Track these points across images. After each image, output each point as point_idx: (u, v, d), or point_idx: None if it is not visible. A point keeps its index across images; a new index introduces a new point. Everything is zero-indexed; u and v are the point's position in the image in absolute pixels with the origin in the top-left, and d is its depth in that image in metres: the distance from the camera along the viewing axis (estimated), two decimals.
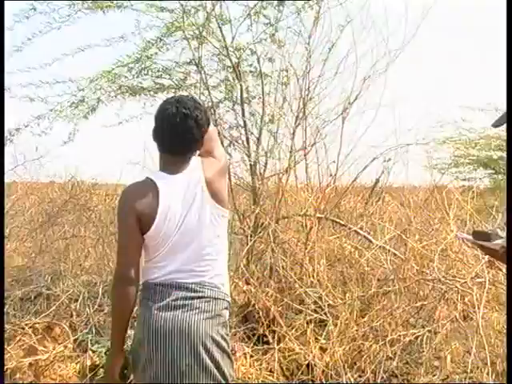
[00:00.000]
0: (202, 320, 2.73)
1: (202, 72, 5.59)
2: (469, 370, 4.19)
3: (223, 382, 2.77)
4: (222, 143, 5.59)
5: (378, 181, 6.18)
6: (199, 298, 2.76)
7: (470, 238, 2.38)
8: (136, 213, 2.76)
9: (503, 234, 2.28)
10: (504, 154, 10.41)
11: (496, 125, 2.47)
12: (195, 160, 2.87)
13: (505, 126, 2.44)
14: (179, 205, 2.76)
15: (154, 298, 2.78)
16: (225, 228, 2.91)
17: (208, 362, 2.72)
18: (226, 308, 2.85)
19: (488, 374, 4.09)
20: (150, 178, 2.81)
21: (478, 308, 4.32)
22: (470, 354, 4.28)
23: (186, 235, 2.77)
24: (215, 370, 2.74)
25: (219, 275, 2.84)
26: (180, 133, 2.82)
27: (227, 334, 2.85)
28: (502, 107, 2.47)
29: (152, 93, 5.70)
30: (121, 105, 5.75)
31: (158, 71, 5.66)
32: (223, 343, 2.78)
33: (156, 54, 5.53)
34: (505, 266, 2.66)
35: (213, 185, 2.82)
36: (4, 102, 4.59)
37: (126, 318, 2.79)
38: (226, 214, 2.90)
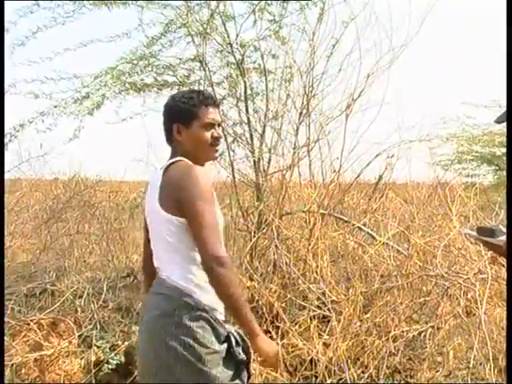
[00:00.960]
0: (152, 319, 2.63)
1: (206, 69, 5.60)
2: (471, 366, 4.20)
3: None
4: (225, 139, 5.68)
5: (381, 177, 6.18)
6: (156, 294, 2.68)
7: (474, 233, 2.39)
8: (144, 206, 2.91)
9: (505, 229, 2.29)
10: None
11: (499, 121, 2.47)
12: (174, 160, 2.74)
13: (505, 123, 2.44)
14: (148, 201, 2.78)
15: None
16: (179, 235, 2.62)
17: (155, 363, 2.56)
18: (184, 308, 2.58)
19: (490, 369, 4.10)
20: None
21: (481, 304, 4.33)
22: (472, 349, 4.29)
23: (150, 230, 2.80)
24: (165, 374, 2.55)
25: (180, 278, 2.62)
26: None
27: (192, 337, 2.55)
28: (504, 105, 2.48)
29: (156, 89, 5.72)
30: (120, 102, 5.76)
31: (163, 68, 5.68)
32: (177, 346, 2.54)
33: (160, 50, 5.55)
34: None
35: (163, 189, 2.66)
36: (4, 101, 4.61)
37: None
38: (177, 221, 2.61)
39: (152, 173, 2.85)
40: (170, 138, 2.82)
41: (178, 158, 2.72)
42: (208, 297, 2.64)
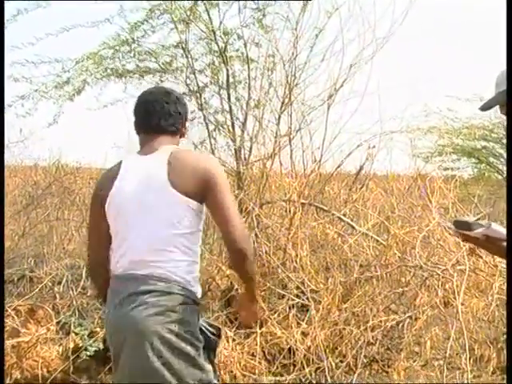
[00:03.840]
0: (150, 316, 2.51)
1: (189, 56, 5.58)
2: (448, 356, 4.24)
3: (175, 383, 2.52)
4: (207, 127, 5.67)
5: (361, 168, 6.20)
6: (149, 292, 2.54)
7: (452, 226, 2.41)
8: (97, 194, 2.75)
9: (484, 222, 2.31)
10: (488, 144, 10.48)
11: (484, 108, 2.49)
12: (171, 147, 2.74)
13: (500, 120, 2.46)
14: (132, 188, 2.63)
15: (112, 292, 2.66)
16: (192, 221, 2.62)
17: (155, 362, 2.49)
18: (185, 303, 2.58)
19: (466, 359, 4.14)
20: (122, 160, 2.79)
21: (458, 295, 4.37)
22: (449, 339, 4.33)
23: (135, 220, 2.61)
24: (166, 371, 2.50)
25: (177, 268, 2.58)
26: (150, 107, 2.78)
27: (190, 332, 2.57)
28: (488, 97, 2.49)
29: (138, 76, 5.68)
30: (101, 88, 5.71)
31: (145, 54, 5.64)
32: (179, 343, 2.53)
33: (143, 36, 5.51)
34: (486, 252, 2.70)
35: (177, 170, 2.61)
36: (4, 100, 4.57)
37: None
38: (194, 206, 2.61)
39: (131, 159, 2.76)
40: (173, 125, 2.80)
41: (178, 147, 2.78)
42: (199, 289, 2.68)
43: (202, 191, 2.60)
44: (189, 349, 2.55)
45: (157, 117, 2.78)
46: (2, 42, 4.09)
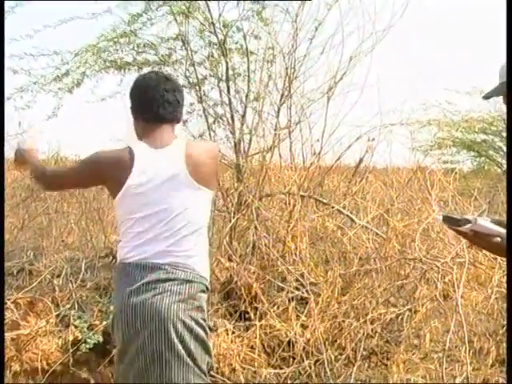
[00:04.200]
0: (173, 303, 2.61)
1: (188, 48, 5.56)
2: (447, 348, 4.24)
3: (195, 368, 2.66)
4: (206, 120, 5.66)
5: (361, 160, 6.20)
6: (171, 280, 2.63)
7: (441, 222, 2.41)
8: (105, 169, 2.76)
9: (471, 217, 2.31)
10: (487, 137, 10.48)
11: (487, 96, 2.50)
12: (182, 140, 2.81)
13: (499, 113, 2.46)
14: (153, 179, 2.68)
15: (126, 280, 2.69)
16: (206, 209, 2.80)
17: (179, 347, 2.61)
18: (203, 291, 2.72)
19: (466, 352, 4.15)
20: (130, 146, 2.78)
21: (458, 287, 4.37)
22: (448, 332, 4.33)
23: (158, 212, 2.67)
24: (186, 356, 2.63)
25: (195, 256, 2.70)
26: (166, 97, 2.78)
27: (204, 319, 2.72)
28: (487, 90, 2.50)
29: (137, 68, 5.66)
30: (97, 80, 5.68)
31: (144, 46, 5.63)
32: (197, 329, 2.67)
33: (141, 28, 5.49)
34: (476, 246, 2.72)
35: (196, 164, 2.72)
36: (4, 99, 4.56)
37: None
38: (210, 196, 2.80)
39: (147, 153, 2.75)
40: (178, 115, 2.88)
41: (184, 138, 2.99)
42: (209, 276, 2.82)
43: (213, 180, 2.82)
44: (203, 335, 2.70)
45: (169, 107, 2.81)
46: (2, 41, 4.07)
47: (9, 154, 7.47)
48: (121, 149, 2.80)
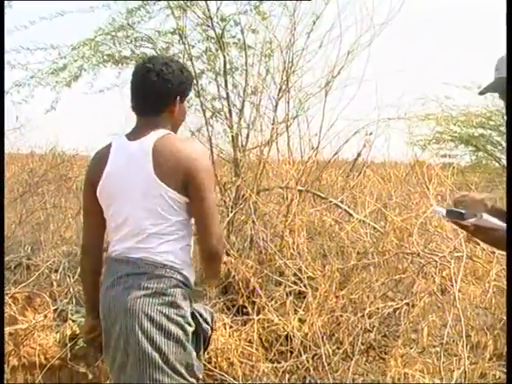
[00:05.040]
0: (139, 298, 2.52)
1: (186, 42, 5.55)
2: (444, 342, 4.25)
3: (166, 368, 2.53)
4: (204, 114, 5.65)
5: (359, 154, 6.20)
6: (140, 274, 2.55)
7: (444, 213, 2.42)
8: (90, 179, 2.72)
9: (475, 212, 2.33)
10: (485, 132, 10.47)
11: (482, 92, 2.51)
12: (157, 133, 2.61)
13: (497, 108, 2.47)
14: (122, 172, 2.60)
15: (106, 274, 2.68)
16: (181, 209, 2.59)
17: (145, 344, 2.50)
18: (177, 286, 2.57)
19: (463, 346, 4.16)
20: (111, 142, 2.73)
21: (455, 282, 4.38)
22: (446, 326, 4.34)
23: (125, 208, 2.60)
24: (155, 354, 2.50)
25: (167, 253, 2.57)
26: (140, 88, 2.66)
27: (182, 316, 2.58)
28: (486, 84, 2.50)
29: (134, 62, 5.65)
30: (95, 74, 5.67)
31: (142, 40, 5.62)
32: (169, 325, 2.53)
33: (139, 22, 5.48)
34: (476, 239, 2.73)
35: (161, 160, 2.54)
36: (4, 98, 4.55)
37: (84, 283, 2.86)
38: (176, 196, 2.56)
39: (119, 143, 2.69)
40: (160, 108, 2.66)
41: (165, 132, 2.62)
42: (191, 273, 2.67)
43: (184, 185, 2.55)
44: (179, 332, 2.55)
45: (137, 98, 2.69)
46: (2, 41, 4.07)
47: (7, 148, 7.50)
48: (105, 145, 2.75)
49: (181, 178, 2.53)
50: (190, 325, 2.61)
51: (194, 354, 2.63)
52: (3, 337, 4.20)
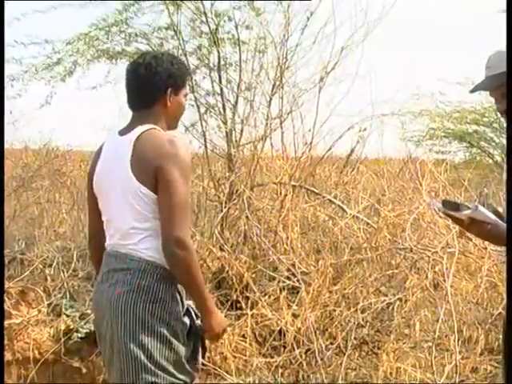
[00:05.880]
0: (123, 294, 2.48)
1: (180, 38, 5.55)
2: (436, 337, 4.27)
3: (149, 364, 2.46)
4: (198, 110, 5.65)
5: (353, 150, 6.22)
6: (125, 270, 2.51)
7: (440, 205, 2.44)
8: (89, 176, 2.71)
9: (471, 204, 2.35)
10: (479, 128, 10.50)
11: (473, 90, 2.53)
12: (142, 128, 2.55)
13: (491, 105, 2.49)
14: (108, 169, 2.58)
15: (101, 267, 2.66)
16: (154, 206, 2.49)
17: (127, 340, 2.46)
18: (161, 281, 2.50)
19: (455, 341, 4.18)
20: (108, 136, 2.76)
21: (448, 277, 4.40)
22: (438, 321, 4.37)
23: (110, 204, 2.59)
24: (137, 351, 2.45)
25: (148, 249, 2.51)
26: (131, 82, 2.64)
27: (168, 312, 2.51)
28: (479, 81, 2.53)
29: (128, 57, 5.65)
30: (88, 69, 5.66)
31: (136, 35, 5.61)
32: (152, 322, 2.47)
33: (132, 18, 5.48)
34: (473, 235, 2.75)
35: (138, 159, 2.48)
36: (4, 96, 4.54)
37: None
38: (151, 195, 2.49)
39: (111, 138, 2.68)
40: (149, 101, 2.60)
41: (150, 126, 2.55)
42: None
43: (154, 182, 2.47)
44: (163, 329, 2.49)
45: (129, 93, 2.66)
46: (2, 41, 4.06)
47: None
48: (105, 141, 2.75)
49: (151, 174, 2.46)
50: (178, 321, 2.54)
51: (184, 349, 2.55)
52: (3, 336, 4.20)
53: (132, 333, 2.46)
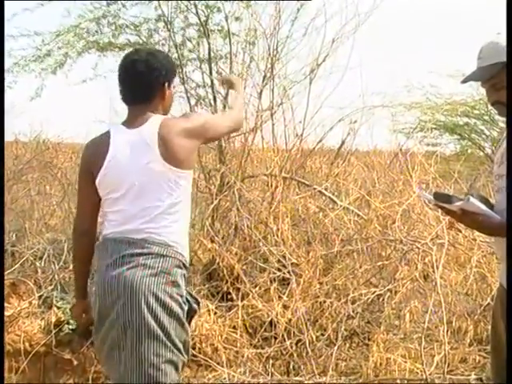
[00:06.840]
0: (146, 277, 2.63)
1: (170, 29, 5.54)
2: (426, 328, 4.29)
3: (168, 343, 2.66)
4: (188, 101, 5.65)
5: (343, 142, 6.22)
6: (145, 254, 2.67)
7: (431, 197, 2.45)
8: (89, 165, 2.80)
9: (463, 196, 2.36)
10: (469, 121, 10.53)
11: (465, 81, 2.54)
12: (158, 118, 2.78)
13: (482, 97, 2.49)
14: (127, 159, 2.71)
15: (104, 254, 2.75)
16: (183, 190, 2.76)
17: (150, 320, 2.62)
18: (178, 267, 2.72)
19: (444, 331, 4.20)
20: (109, 130, 2.83)
21: (437, 268, 4.42)
22: (428, 312, 4.39)
23: (131, 191, 2.71)
24: (159, 330, 2.63)
25: (170, 233, 2.72)
26: (130, 78, 2.82)
27: (181, 295, 2.72)
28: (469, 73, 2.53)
29: (118, 49, 5.63)
30: (76, 61, 5.64)
31: (126, 27, 5.60)
32: (172, 303, 2.67)
33: (119, 10, 5.46)
34: (464, 226, 2.76)
35: (168, 144, 2.70)
36: (4, 91, 4.52)
37: (79, 266, 2.94)
38: (185, 175, 2.76)
39: (118, 131, 2.79)
40: (149, 96, 2.82)
41: (162, 116, 2.80)
42: (187, 254, 2.82)
43: (189, 152, 2.76)
44: (179, 310, 2.70)
45: (127, 89, 2.84)
46: (2, 41, 4.04)
47: None
48: (102, 133, 2.84)
49: (188, 145, 2.74)
50: (185, 304, 2.76)
51: (190, 331, 2.81)
52: (3, 337, 4.19)
53: (154, 313, 2.63)
